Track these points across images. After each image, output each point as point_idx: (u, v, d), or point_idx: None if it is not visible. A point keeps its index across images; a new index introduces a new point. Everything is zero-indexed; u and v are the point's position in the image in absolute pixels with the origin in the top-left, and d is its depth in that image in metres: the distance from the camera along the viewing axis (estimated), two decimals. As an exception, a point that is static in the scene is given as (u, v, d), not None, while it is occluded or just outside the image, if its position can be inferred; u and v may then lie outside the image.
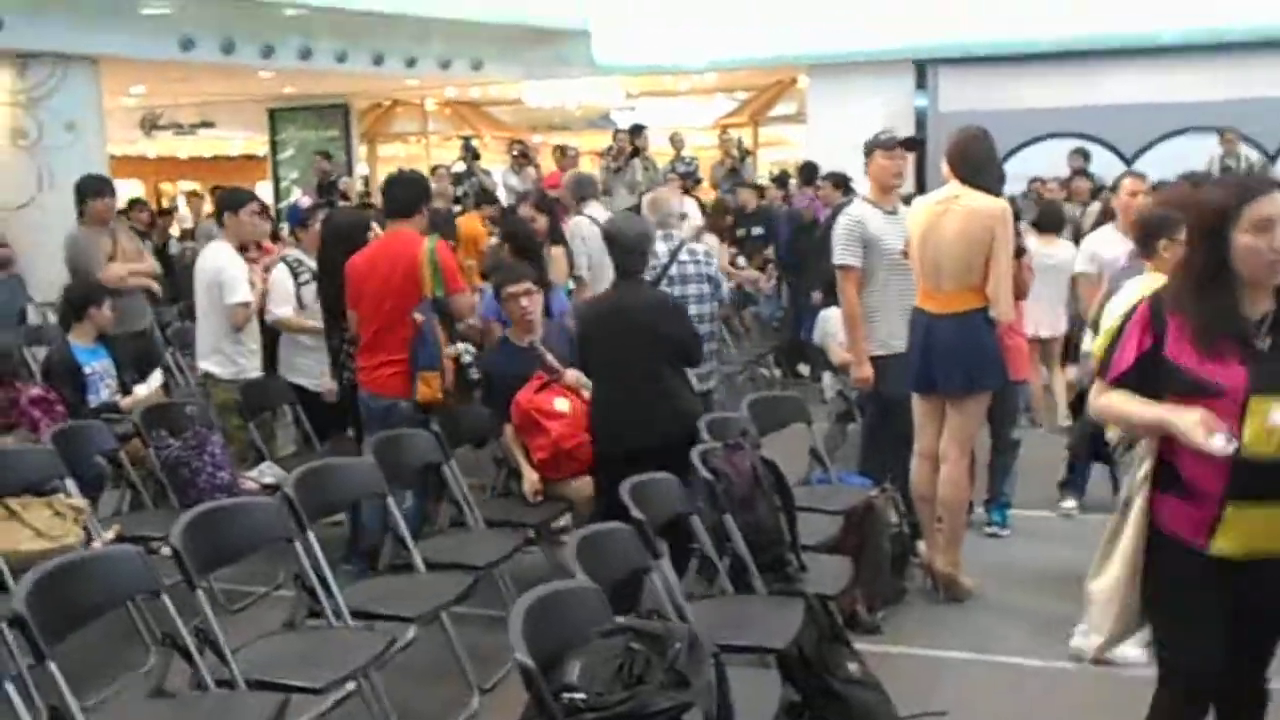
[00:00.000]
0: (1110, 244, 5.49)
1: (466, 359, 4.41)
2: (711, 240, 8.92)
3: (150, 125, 15.21)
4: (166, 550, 2.87)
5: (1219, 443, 2.16)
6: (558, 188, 7.68)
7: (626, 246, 4.13)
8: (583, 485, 4.29)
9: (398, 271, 4.36)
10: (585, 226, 6.15)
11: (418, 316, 4.29)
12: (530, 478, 4.31)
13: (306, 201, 5.47)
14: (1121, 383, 2.40)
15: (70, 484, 3.68)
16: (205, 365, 5.10)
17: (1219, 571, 2.32)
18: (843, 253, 4.60)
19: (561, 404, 4.33)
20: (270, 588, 4.37)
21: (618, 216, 4.95)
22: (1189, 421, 2.21)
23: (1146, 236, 4.13)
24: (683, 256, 4.93)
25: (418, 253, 4.36)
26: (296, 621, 3.15)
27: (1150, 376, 2.34)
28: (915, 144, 4.82)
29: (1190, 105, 10.41)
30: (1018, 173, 8.94)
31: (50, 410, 4.38)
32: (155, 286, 5.96)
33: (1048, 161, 10.17)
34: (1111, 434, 2.62)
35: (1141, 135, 10.73)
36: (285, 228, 7.37)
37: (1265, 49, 10.12)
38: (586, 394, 4.42)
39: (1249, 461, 2.22)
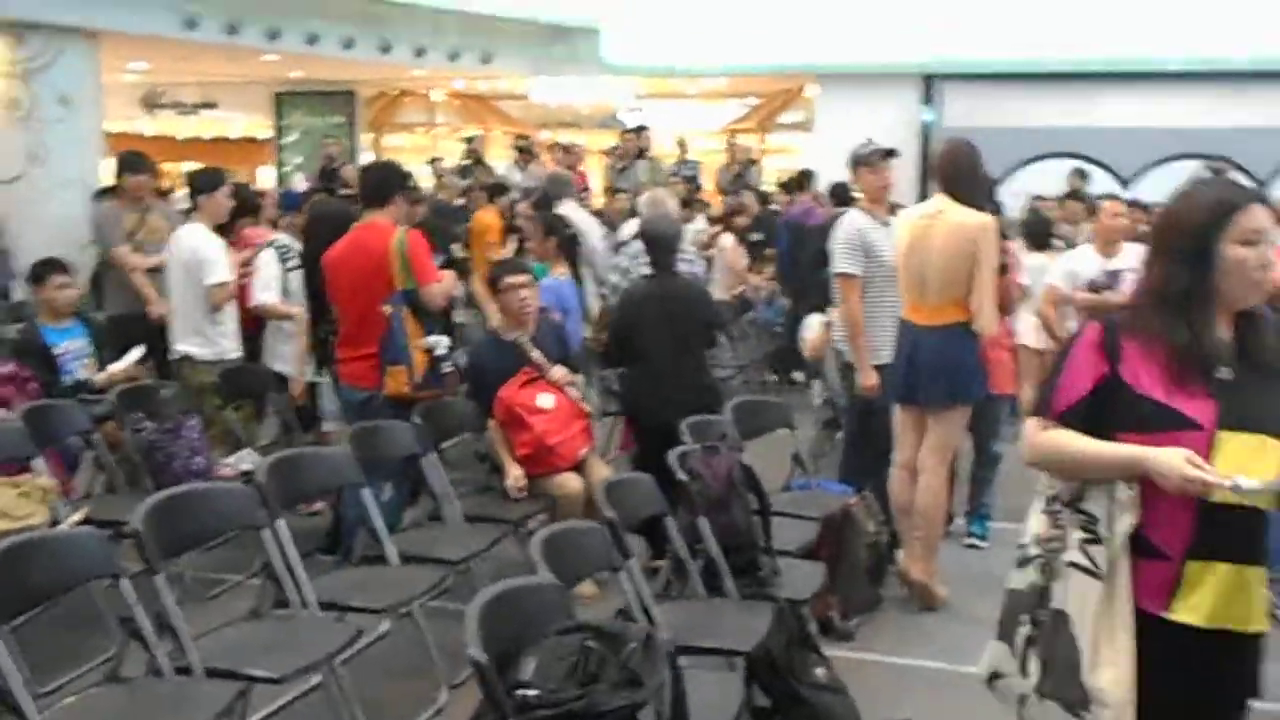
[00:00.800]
0: (1088, 262, 5.63)
1: (440, 351, 4.33)
2: (728, 241, 8.92)
3: (152, 103, 15.16)
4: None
5: (1246, 483, 1.85)
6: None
7: (663, 244, 4.77)
8: (565, 480, 4.29)
9: (368, 264, 4.33)
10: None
11: (386, 309, 4.26)
12: (513, 473, 4.30)
13: (304, 186, 5.44)
14: (1070, 417, 2.04)
15: (39, 463, 3.64)
16: (183, 346, 5.01)
17: (1183, 646, 2.01)
18: (844, 261, 4.60)
19: (546, 400, 4.34)
20: (245, 576, 4.35)
21: (653, 218, 5.45)
22: (1175, 461, 1.89)
23: None
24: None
25: (387, 244, 4.32)
26: (262, 610, 3.13)
27: (1105, 409, 2.01)
28: (895, 154, 4.80)
29: (1188, 131, 10.45)
30: (1021, 190, 8.95)
31: (23, 388, 4.33)
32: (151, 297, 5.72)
33: (1050, 180, 10.18)
34: (1050, 485, 2.10)
35: (1140, 159, 10.77)
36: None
37: (1263, 79, 10.17)
38: (574, 392, 4.44)
39: (1214, 511, 1.93)
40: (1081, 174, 10.04)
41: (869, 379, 4.63)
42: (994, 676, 2.14)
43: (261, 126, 15.99)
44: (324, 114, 14.39)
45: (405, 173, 4.88)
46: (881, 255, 4.59)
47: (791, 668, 3.18)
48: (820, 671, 3.24)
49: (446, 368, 4.31)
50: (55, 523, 3.37)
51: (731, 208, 9.79)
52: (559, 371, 4.40)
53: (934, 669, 3.89)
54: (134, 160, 5.86)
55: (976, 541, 5.17)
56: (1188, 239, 2.03)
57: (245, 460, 4.47)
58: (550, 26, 12.23)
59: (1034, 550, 2.08)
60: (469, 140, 12.48)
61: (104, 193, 6.95)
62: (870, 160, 4.61)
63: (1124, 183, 10.52)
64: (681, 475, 3.51)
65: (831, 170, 10.53)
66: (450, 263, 5.71)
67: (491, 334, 4.59)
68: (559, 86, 14.78)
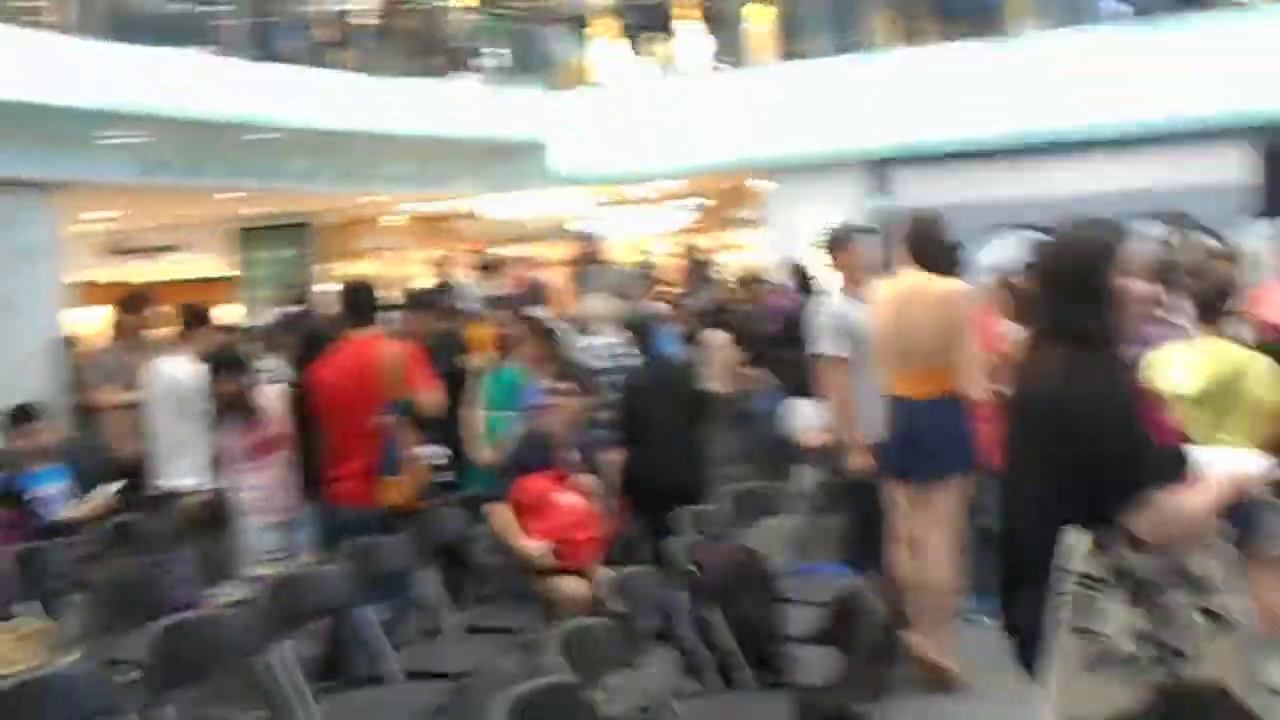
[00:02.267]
0: None
1: (439, 461, 4.30)
2: (720, 337, 8.90)
3: (116, 249, 15.19)
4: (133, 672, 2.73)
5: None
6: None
7: (648, 329, 5.63)
8: (575, 586, 4.19)
9: (359, 377, 4.34)
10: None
11: (381, 420, 4.24)
12: (537, 547, 4.21)
13: (284, 311, 5.48)
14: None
15: (37, 606, 3.51)
16: (170, 478, 4.94)
17: None
18: (830, 343, 4.62)
19: (571, 499, 4.33)
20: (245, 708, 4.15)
21: (630, 310, 6.28)
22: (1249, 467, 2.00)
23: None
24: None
25: (379, 357, 4.35)
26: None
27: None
28: (874, 231, 4.92)
29: (1136, 194, 10.74)
30: (981, 265, 9.13)
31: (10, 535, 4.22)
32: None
33: (1009, 254, 10.37)
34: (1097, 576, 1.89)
35: (1097, 224, 11.01)
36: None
37: (1207, 138, 10.53)
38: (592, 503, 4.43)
39: None
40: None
41: (859, 459, 4.61)
42: None
43: (221, 265, 16.04)
44: (280, 247, 14.48)
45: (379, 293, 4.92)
46: (863, 335, 4.62)
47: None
48: (848, 758, 3.16)
49: (444, 478, 4.26)
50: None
51: (718, 303, 9.85)
52: (587, 480, 4.43)
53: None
54: (133, 300, 6.02)
55: (983, 618, 5.09)
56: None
57: (229, 592, 4.33)
58: (496, 144, 12.49)
59: (1144, 652, 1.87)
60: (438, 264, 12.58)
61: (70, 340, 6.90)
62: (847, 240, 4.69)
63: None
64: (690, 566, 3.45)
65: (786, 262, 10.76)
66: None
67: (539, 430, 4.56)
68: (510, 201, 15.04)
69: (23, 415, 4.82)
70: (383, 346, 4.40)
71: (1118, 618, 1.87)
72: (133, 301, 5.88)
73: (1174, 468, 1.97)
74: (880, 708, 4.03)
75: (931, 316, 4.23)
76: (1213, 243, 10.21)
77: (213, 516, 4.83)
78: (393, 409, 4.28)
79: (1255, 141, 8.77)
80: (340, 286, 5.01)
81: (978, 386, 4.23)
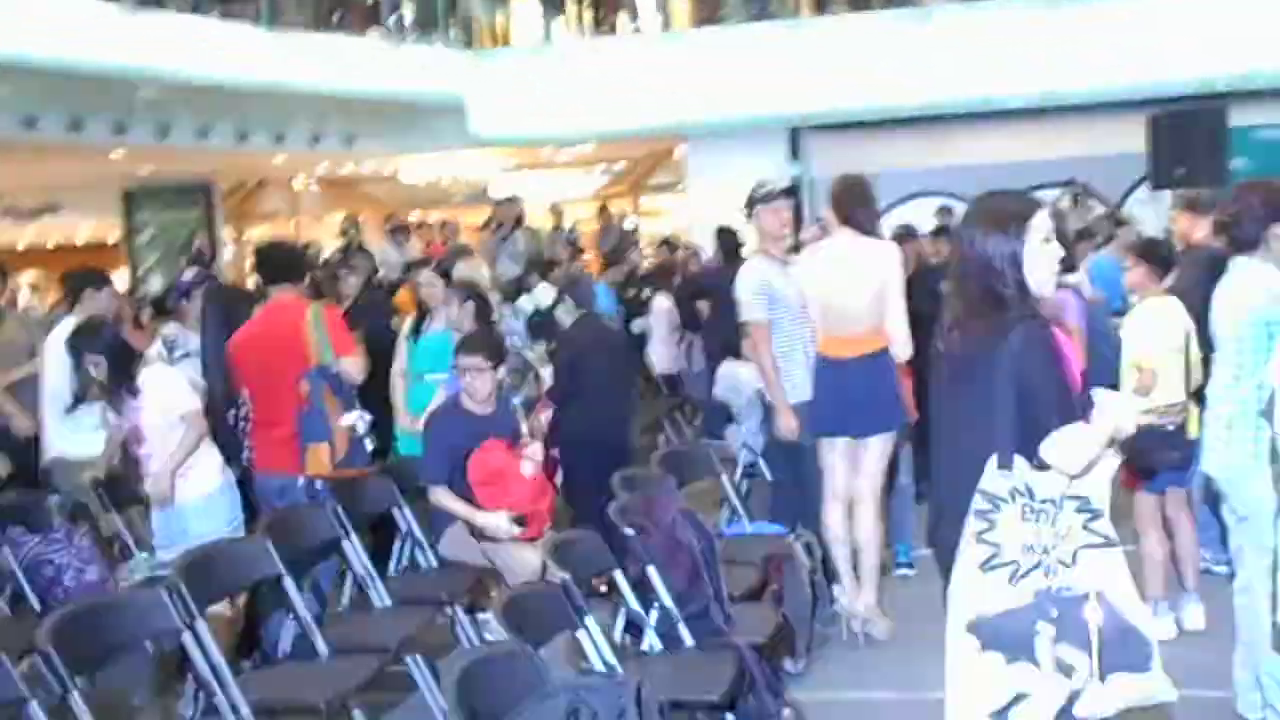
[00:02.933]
0: None
1: (361, 428, 4.15)
2: (665, 302, 8.78)
3: (-13, 212, 14.32)
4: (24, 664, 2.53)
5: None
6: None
7: (585, 290, 5.63)
8: (526, 556, 3.99)
9: (280, 342, 4.19)
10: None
11: (304, 385, 4.10)
12: (500, 519, 4.05)
13: (189, 274, 5.14)
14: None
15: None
16: (60, 448, 4.67)
17: None
18: (752, 308, 4.57)
19: (528, 468, 4.19)
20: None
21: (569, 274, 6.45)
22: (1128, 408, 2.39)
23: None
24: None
25: (301, 320, 4.20)
26: (192, 721, 2.85)
27: None
28: (793, 192, 4.87)
29: (1041, 164, 11.05)
30: (890, 231, 9.23)
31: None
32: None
33: (919, 219, 10.56)
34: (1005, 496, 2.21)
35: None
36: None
37: (1107, 109, 10.85)
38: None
39: None
40: (947, 210, 10.46)
41: (789, 421, 4.59)
42: (1015, 701, 2.16)
43: (110, 228, 15.28)
44: (178, 209, 13.82)
45: (303, 251, 4.72)
46: (784, 296, 4.59)
47: (761, 713, 3.10)
48: (788, 713, 3.17)
49: (368, 445, 4.11)
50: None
51: (663, 267, 9.75)
52: (536, 449, 4.29)
53: (896, 700, 3.82)
54: None
55: (905, 570, 5.16)
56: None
57: (141, 568, 4.09)
58: (413, 104, 12.12)
59: (1028, 560, 2.17)
60: (345, 227, 12.22)
61: None
62: (769, 199, 4.64)
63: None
64: (627, 530, 3.38)
65: (705, 227, 10.76)
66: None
67: (455, 403, 4.34)
68: (427, 164, 14.68)
69: None
70: (304, 309, 4.23)
71: (1009, 530, 2.18)
72: None
73: (1082, 408, 2.27)
74: (813, 662, 4.08)
75: (860, 277, 4.24)
76: (1102, 209, 10.65)
77: (115, 492, 4.55)
78: (317, 375, 4.12)
79: (1147, 114, 9.15)
80: (255, 248, 4.77)
81: (906, 344, 4.25)
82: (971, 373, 2.28)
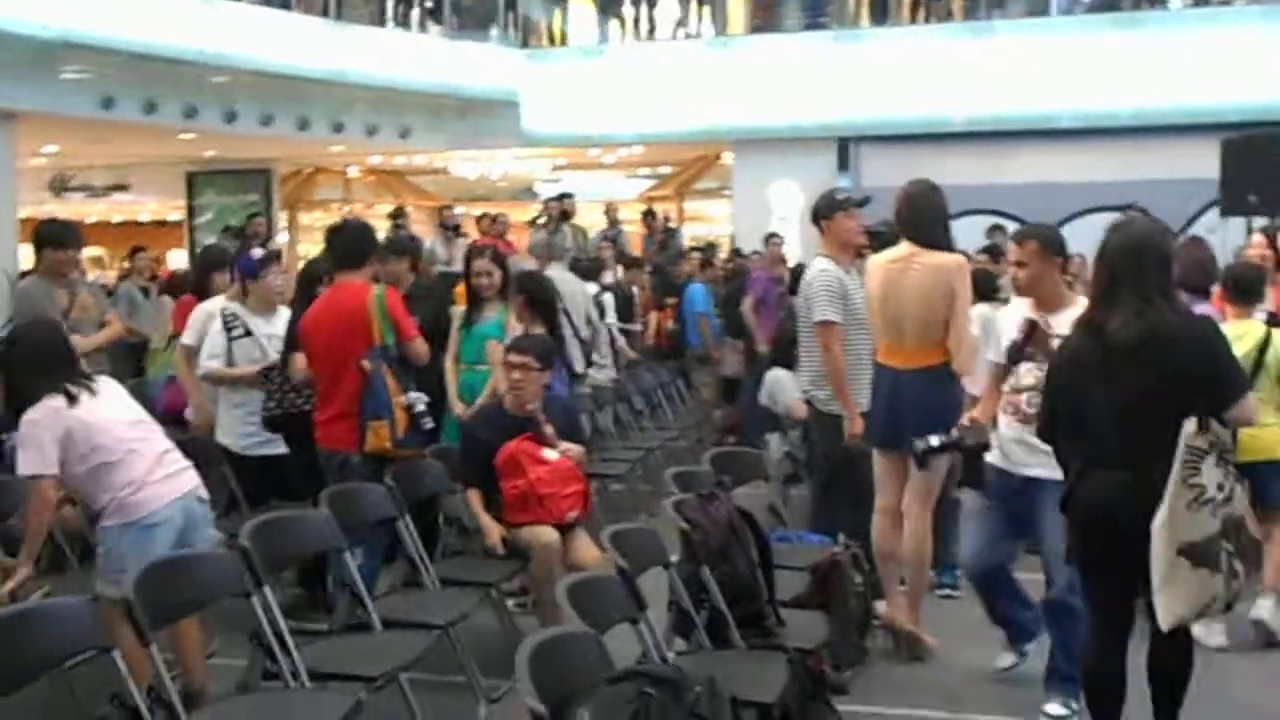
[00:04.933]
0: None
1: (420, 408, 4.25)
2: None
3: (60, 187, 14.68)
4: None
5: None
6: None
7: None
8: (541, 532, 4.15)
9: (344, 322, 4.29)
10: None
11: (365, 364, 4.20)
12: (493, 535, 4.16)
13: (259, 252, 5.21)
14: None
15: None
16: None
17: None
18: (825, 308, 4.56)
19: (550, 454, 4.26)
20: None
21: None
22: None
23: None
24: None
25: (364, 302, 4.30)
26: (251, 683, 2.92)
27: None
28: (866, 203, 4.88)
29: (1097, 185, 10.91)
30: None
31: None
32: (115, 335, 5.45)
33: (966, 236, 10.48)
34: (1211, 444, 2.96)
35: (1052, 213, 11.11)
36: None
37: (1168, 132, 10.68)
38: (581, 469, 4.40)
39: None
40: (999, 229, 10.36)
41: (857, 427, 4.57)
42: (1208, 604, 2.95)
43: (172, 208, 15.59)
44: (238, 193, 14.10)
45: (374, 234, 4.84)
46: (855, 303, 4.60)
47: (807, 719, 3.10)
48: (838, 723, 3.16)
49: (426, 424, 4.19)
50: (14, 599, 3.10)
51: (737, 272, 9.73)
52: (574, 450, 4.35)
53: (938, 719, 3.81)
54: (59, 233, 5.43)
55: (950, 591, 5.13)
56: None
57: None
58: (468, 100, 12.25)
59: (1220, 496, 2.92)
60: (395, 216, 12.33)
61: (26, 275, 6.57)
62: (846, 205, 4.65)
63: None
64: (682, 524, 3.41)
65: (749, 234, 10.77)
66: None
67: (495, 402, 4.44)
68: (479, 160, 14.81)
69: None
70: (367, 291, 4.32)
71: (1210, 474, 2.92)
72: (62, 234, 5.38)
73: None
74: (855, 676, 4.08)
75: (925, 288, 4.21)
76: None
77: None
78: (378, 354, 4.22)
79: (1219, 138, 8.96)
80: (329, 228, 4.87)
81: (968, 359, 4.24)
82: (1156, 353, 2.96)
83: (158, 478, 3.31)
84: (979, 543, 4.01)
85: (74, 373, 3.35)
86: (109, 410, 3.35)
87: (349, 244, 4.48)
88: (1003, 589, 3.97)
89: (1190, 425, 2.87)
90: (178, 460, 3.45)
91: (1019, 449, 3.72)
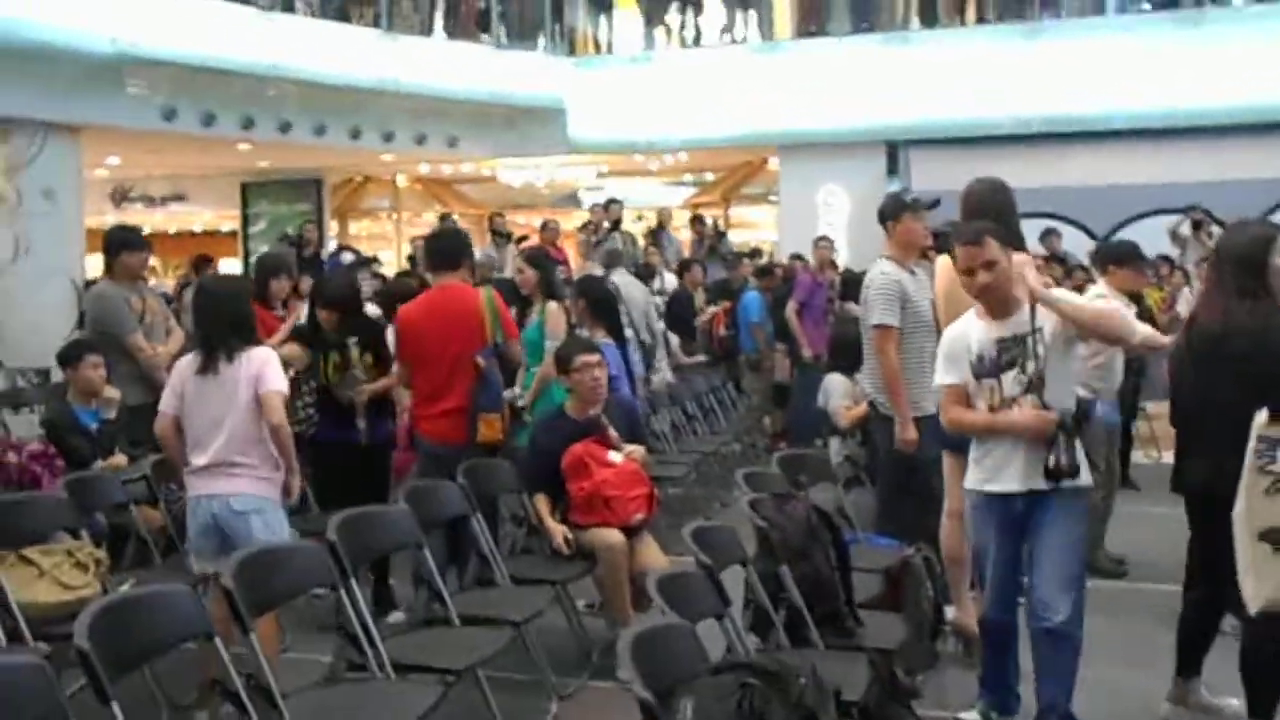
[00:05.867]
0: None
1: (520, 403, 4.54)
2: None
3: (121, 197, 15.00)
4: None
5: None
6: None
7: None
8: (607, 534, 4.19)
9: (459, 323, 4.53)
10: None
11: (480, 361, 4.44)
12: (557, 532, 4.20)
13: (349, 257, 5.38)
14: None
15: (84, 535, 3.46)
16: None
17: None
18: (883, 313, 4.52)
19: (615, 456, 4.32)
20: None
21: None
22: None
23: None
24: None
25: (478, 302, 4.58)
26: (337, 673, 2.96)
27: None
28: (936, 205, 4.85)
29: (1157, 187, 10.71)
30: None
31: (51, 466, 4.15)
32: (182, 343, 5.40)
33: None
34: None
35: (1109, 215, 10.95)
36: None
37: (1229, 132, 10.47)
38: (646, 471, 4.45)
39: None
40: (1054, 233, 10.23)
41: (909, 433, 4.54)
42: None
43: (226, 218, 15.86)
44: (290, 202, 14.32)
45: (468, 238, 5.16)
46: (917, 305, 4.56)
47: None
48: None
49: (525, 418, 4.32)
50: (106, 592, 3.17)
51: (765, 269, 9.76)
52: (639, 451, 4.40)
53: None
54: (132, 236, 5.55)
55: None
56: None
57: None
58: (516, 108, 12.34)
59: None
60: (443, 220, 12.45)
61: (92, 283, 6.73)
62: (915, 207, 4.62)
63: (1097, 239, 10.72)
64: (759, 522, 3.41)
65: (796, 240, 10.70)
66: None
67: (560, 411, 4.51)
68: (525, 167, 14.91)
69: (77, 350, 4.72)
70: (476, 292, 4.60)
71: None
72: (134, 238, 5.50)
73: None
74: (927, 680, 4.05)
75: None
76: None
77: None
78: (489, 352, 4.47)
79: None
80: (428, 232, 5.13)
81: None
82: (1232, 350, 3.18)
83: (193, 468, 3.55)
84: (1002, 587, 3.53)
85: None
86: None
87: (447, 247, 4.73)
88: (1014, 641, 3.59)
89: (1262, 416, 2.97)
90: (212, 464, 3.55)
91: (1019, 462, 3.37)
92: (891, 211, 4.68)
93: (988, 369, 3.41)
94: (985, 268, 3.46)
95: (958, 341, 3.56)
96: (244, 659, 2.62)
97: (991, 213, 4.34)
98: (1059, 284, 8.34)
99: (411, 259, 9.85)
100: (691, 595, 2.73)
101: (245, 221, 14.54)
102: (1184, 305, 8.44)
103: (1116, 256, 5.70)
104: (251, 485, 3.48)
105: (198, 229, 17.74)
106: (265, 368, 3.52)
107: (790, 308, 8.72)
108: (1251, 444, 2.98)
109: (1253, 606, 3.02)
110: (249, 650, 2.58)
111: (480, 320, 4.51)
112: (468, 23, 12.39)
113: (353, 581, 3.01)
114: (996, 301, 3.47)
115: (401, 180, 16.26)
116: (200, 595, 2.67)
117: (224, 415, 3.49)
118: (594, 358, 4.38)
